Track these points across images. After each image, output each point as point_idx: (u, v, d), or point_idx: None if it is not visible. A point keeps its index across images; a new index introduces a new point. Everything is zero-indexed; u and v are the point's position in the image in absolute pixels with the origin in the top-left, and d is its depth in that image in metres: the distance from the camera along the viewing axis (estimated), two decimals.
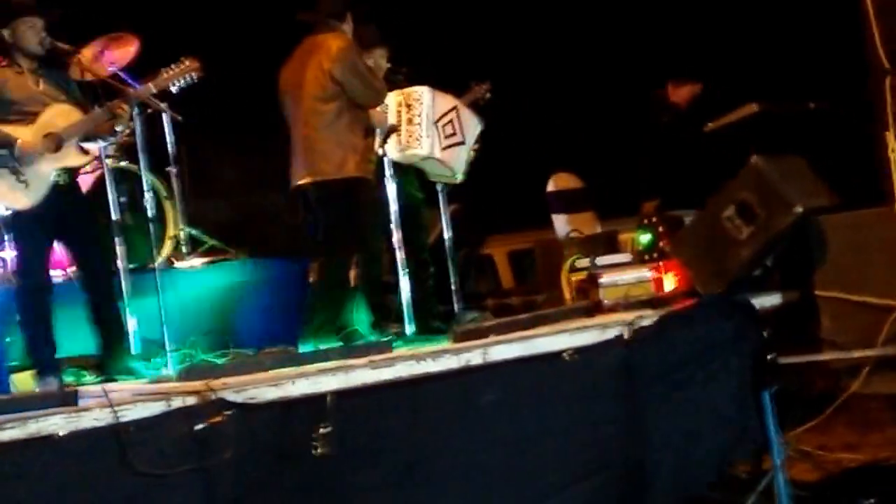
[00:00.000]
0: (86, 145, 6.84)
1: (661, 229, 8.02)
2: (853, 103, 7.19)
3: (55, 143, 6.59)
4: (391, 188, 7.54)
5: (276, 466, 5.46)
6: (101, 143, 7.19)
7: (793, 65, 9.76)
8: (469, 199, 9.33)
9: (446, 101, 7.88)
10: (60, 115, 6.69)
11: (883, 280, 6.45)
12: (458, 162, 7.96)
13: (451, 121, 7.85)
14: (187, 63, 6.90)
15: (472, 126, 8.01)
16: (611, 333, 6.41)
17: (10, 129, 6.57)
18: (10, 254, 7.42)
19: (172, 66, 6.92)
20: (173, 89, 6.96)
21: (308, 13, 7.54)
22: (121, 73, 7.98)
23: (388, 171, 7.55)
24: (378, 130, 7.63)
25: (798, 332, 6.88)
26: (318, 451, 5.41)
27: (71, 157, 6.71)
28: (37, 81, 6.76)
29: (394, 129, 7.61)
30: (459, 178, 8.05)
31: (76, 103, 6.79)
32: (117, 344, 6.79)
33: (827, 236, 6.76)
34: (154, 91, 7.00)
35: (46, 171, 6.61)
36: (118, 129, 6.99)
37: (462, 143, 7.94)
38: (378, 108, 7.55)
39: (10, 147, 6.52)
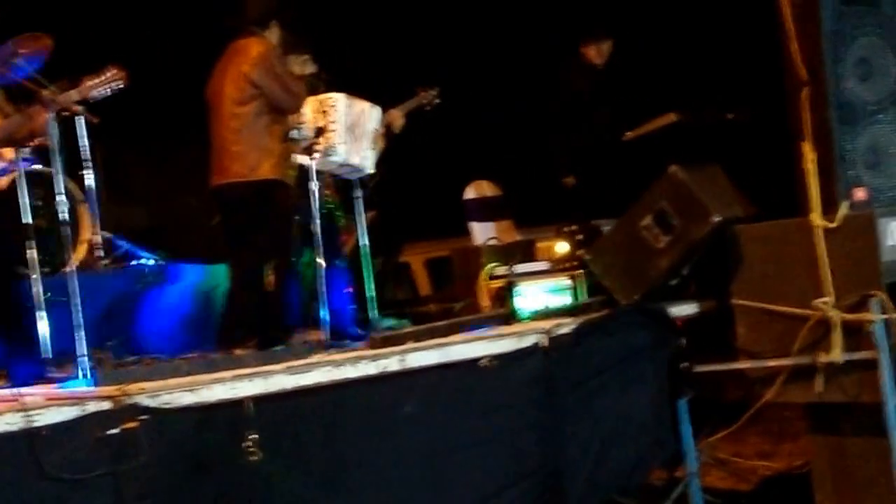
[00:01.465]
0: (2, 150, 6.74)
1: (578, 237, 8.05)
2: (771, 114, 7.25)
3: None
4: (315, 194, 7.48)
5: (191, 473, 5.41)
6: (18, 150, 7.07)
7: (711, 75, 9.83)
8: (386, 207, 9.32)
9: (358, 105, 7.88)
10: None
11: (798, 290, 6.51)
12: (369, 162, 7.97)
13: (360, 123, 7.86)
14: (112, 73, 6.80)
15: (375, 119, 8.02)
16: (528, 341, 6.43)
17: None
18: None
19: (97, 74, 6.81)
20: (96, 97, 6.86)
21: (232, 18, 7.51)
22: (35, 75, 7.85)
23: (312, 175, 7.50)
24: (297, 136, 7.60)
25: (714, 340, 6.95)
26: (251, 458, 5.37)
27: None
28: None
29: (320, 133, 7.58)
30: (369, 170, 8.04)
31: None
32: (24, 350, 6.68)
33: (743, 246, 6.82)
34: (76, 99, 6.88)
35: None
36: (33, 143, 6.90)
37: (369, 139, 7.95)
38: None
39: None
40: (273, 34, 7.50)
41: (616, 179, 8.82)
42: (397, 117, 8.46)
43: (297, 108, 7.43)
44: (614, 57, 9.13)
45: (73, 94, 6.83)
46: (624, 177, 8.48)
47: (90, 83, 6.79)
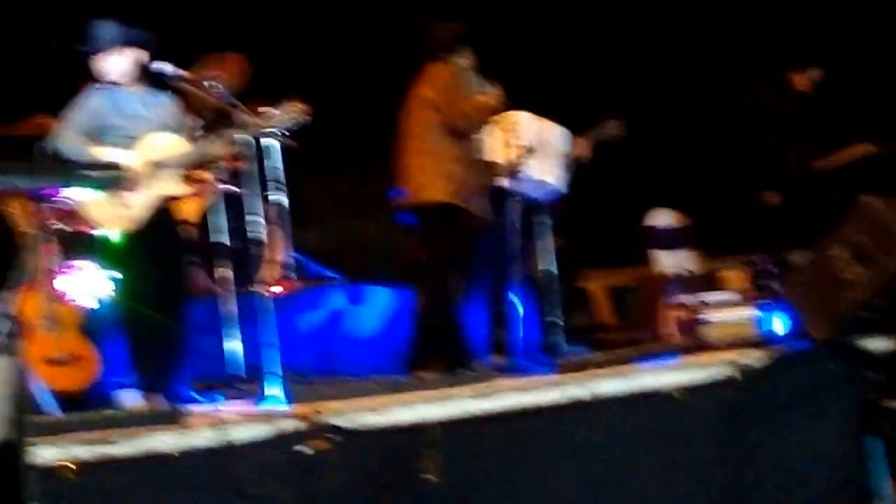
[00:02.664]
0: (191, 175, 6.84)
1: (767, 268, 7.91)
2: None
3: (157, 170, 6.62)
4: (510, 217, 7.49)
5: (378, 494, 5.45)
6: (207, 174, 7.20)
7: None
8: (568, 233, 9.27)
9: (539, 123, 7.87)
10: (165, 142, 6.69)
11: None
12: (559, 179, 7.93)
13: (547, 141, 7.83)
14: (298, 107, 6.83)
15: (562, 139, 7.98)
16: (717, 373, 6.35)
17: (116, 153, 6.60)
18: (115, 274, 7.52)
19: (282, 107, 6.86)
20: (280, 130, 6.89)
21: (420, 46, 7.57)
22: (225, 96, 8.00)
23: (500, 200, 7.49)
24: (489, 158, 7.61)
25: None
26: (421, 482, 5.38)
27: (173, 186, 6.72)
28: (144, 106, 6.78)
29: (520, 157, 7.56)
30: (563, 190, 8.00)
31: (181, 129, 6.81)
32: (179, 369, 6.78)
33: None
34: (260, 128, 6.93)
35: (146, 197, 6.63)
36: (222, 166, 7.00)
37: (559, 159, 7.91)
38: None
39: (114, 169, 6.55)
40: (464, 58, 7.53)
41: (806, 208, 8.65)
42: (583, 146, 8.39)
43: (471, 131, 7.41)
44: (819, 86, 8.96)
45: (260, 123, 6.87)
46: (814, 206, 8.31)
47: (277, 114, 6.80)
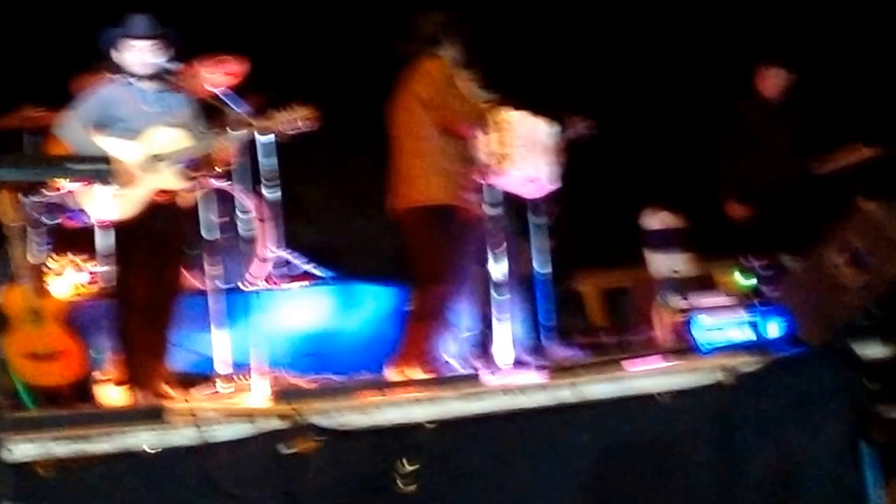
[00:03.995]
0: (189, 171, 6.82)
1: (763, 272, 7.83)
2: None
3: (156, 164, 6.58)
4: (495, 216, 7.41)
5: (361, 494, 5.42)
6: (205, 171, 7.16)
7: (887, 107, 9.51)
8: (561, 234, 9.21)
9: (532, 121, 7.80)
10: (167, 137, 6.69)
11: None
12: (550, 175, 7.87)
13: (538, 138, 7.77)
14: (304, 111, 6.77)
15: (552, 136, 7.92)
16: (708, 378, 6.28)
17: (117, 145, 6.57)
18: (104, 267, 7.47)
19: (288, 110, 6.80)
20: (285, 134, 6.84)
21: (406, 42, 7.49)
22: (225, 97, 7.95)
23: (491, 198, 7.42)
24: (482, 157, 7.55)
25: None
26: (405, 484, 5.33)
27: (170, 181, 6.69)
28: (148, 100, 6.76)
29: (499, 155, 7.50)
30: (554, 186, 7.95)
31: (185, 126, 6.77)
32: (161, 366, 6.73)
33: None
34: (264, 130, 6.89)
35: (143, 191, 6.60)
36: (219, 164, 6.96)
37: (549, 155, 7.86)
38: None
39: (109, 162, 6.49)
40: (449, 51, 7.45)
41: (801, 213, 8.62)
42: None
43: (458, 128, 7.32)
44: (800, 90, 8.91)
45: (263, 125, 6.83)
46: (810, 211, 8.26)
47: (281, 120, 6.75)
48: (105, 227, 6.74)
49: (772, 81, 9.08)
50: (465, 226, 7.37)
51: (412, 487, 5.39)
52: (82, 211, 7.13)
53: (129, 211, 6.58)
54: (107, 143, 6.57)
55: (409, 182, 7.28)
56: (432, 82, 7.24)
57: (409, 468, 5.40)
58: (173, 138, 6.70)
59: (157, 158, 6.60)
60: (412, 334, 7.22)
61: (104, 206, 6.62)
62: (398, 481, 5.39)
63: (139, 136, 6.64)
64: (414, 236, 7.34)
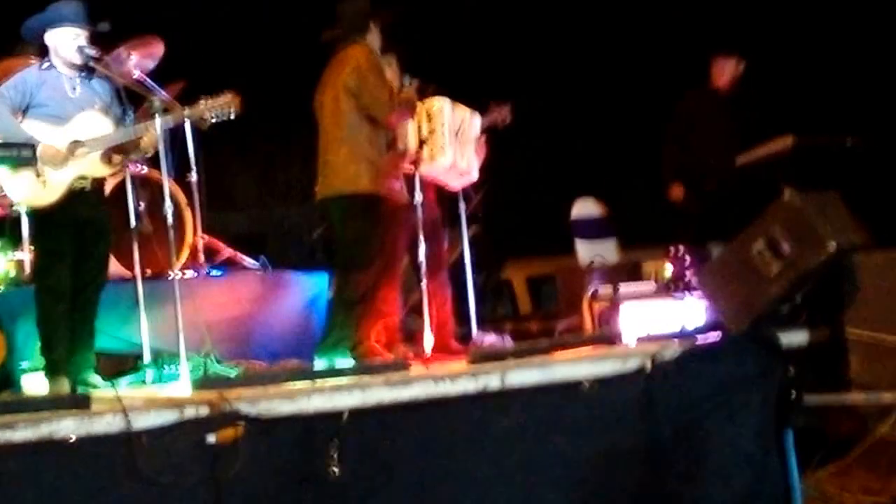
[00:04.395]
0: (112, 157, 6.76)
1: (687, 261, 7.89)
2: (892, 140, 7.05)
3: (78, 150, 6.53)
4: (419, 204, 7.40)
5: (288, 482, 5.40)
6: (128, 158, 7.11)
7: (831, 99, 9.61)
8: (489, 222, 9.23)
9: (460, 111, 7.82)
10: (91, 123, 6.63)
11: None
12: (473, 164, 7.91)
13: (464, 129, 7.79)
14: (228, 98, 6.74)
15: (476, 125, 7.96)
16: (632, 365, 6.31)
17: (40, 130, 6.51)
18: (27, 254, 7.39)
19: (212, 97, 6.77)
20: (209, 121, 6.81)
21: (330, 31, 7.46)
22: (146, 79, 7.88)
23: (418, 186, 7.41)
24: (406, 145, 7.55)
25: (826, 371, 6.74)
26: (333, 472, 5.31)
27: (93, 167, 6.63)
28: (73, 87, 6.69)
29: (426, 143, 7.50)
30: (475, 177, 7.99)
31: (109, 112, 6.71)
32: (84, 354, 6.68)
33: (860, 275, 6.63)
34: (189, 117, 6.85)
35: (66, 176, 6.54)
36: (144, 150, 6.90)
37: (473, 146, 7.89)
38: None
39: (33, 148, 6.45)
40: (374, 38, 7.44)
41: (728, 203, 8.68)
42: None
43: (384, 117, 7.30)
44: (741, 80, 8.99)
45: (186, 112, 6.79)
46: (736, 200, 8.32)
47: (204, 105, 6.72)
48: (29, 213, 6.66)
49: (725, 71, 9.11)
50: (390, 214, 7.36)
51: (339, 475, 5.37)
52: (4, 196, 7.05)
53: (52, 197, 6.51)
54: (31, 128, 6.50)
55: (334, 170, 7.26)
56: (357, 70, 7.22)
57: (335, 456, 5.37)
58: (97, 124, 6.63)
59: (80, 144, 6.54)
60: (337, 321, 7.22)
61: (27, 191, 6.54)
62: (325, 469, 5.37)
63: (63, 122, 6.58)
64: (339, 224, 7.33)
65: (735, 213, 8.22)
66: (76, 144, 6.54)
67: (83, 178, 6.58)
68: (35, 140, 6.47)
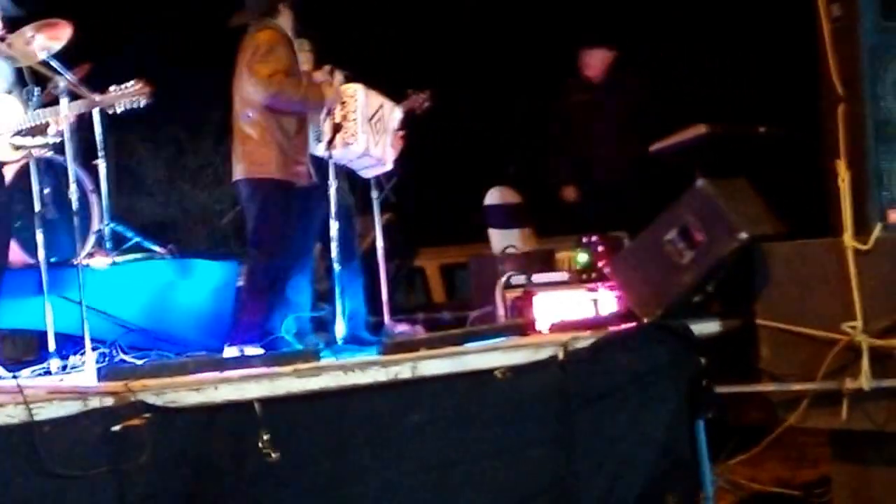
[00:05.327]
0: (18, 141, 6.63)
1: (600, 249, 7.87)
2: (805, 130, 7.08)
3: None
4: (332, 190, 7.32)
5: (196, 473, 5.30)
6: (34, 141, 6.97)
7: (743, 87, 9.68)
8: (402, 210, 9.19)
9: (376, 99, 7.75)
10: (1, 107, 6.52)
11: (826, 312, 6.32)
12: (388, 155, 7.85)
13: (381, 118, 7.73)
14: (139, 86, 6.68)
15: (395, 118, 7.91)
16: (545, 353, 6.28)
17: None
18: None
19: (123, 85, 6.70)
20: (119, 109, 6.75)
21: (238, 15, 7.35)
22: (52, 61, 7.73)
23: (331, 173, 7.34)
24: (317, 130, 7.47)
25: (736, 360, 6.77)
26: (266, 458, 5.23)
27: (2, 150, 6.53)
28: None
29: (339, 128, 7.42)
30: (389, 167, 7.94)
31: (13, 94, 6.58)
32: None
33: (770, 265, 6.64)
34: (99, 105, 6.79)
35: None
36: (50, 134, 6.77)
37: (389, 136, 7.83)
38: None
39: None
40: (284, 19, 7.31)
41: (640, 191, 8.71)
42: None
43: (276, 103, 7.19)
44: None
45: (96, 99, 6.74)
46: (649, 188, 8.34)
47: (116, 93, 6.66)
48: None
49: (592, 62, 9.22)
50: (298, 200, 7.27)
51: (250, 464, 5.29)
52: None
53: None
54: None
55: (243, 155, 7.18)
56: (264, 54, 7.10)
57: (242, 447, 5.30)
58: (5, 106, 6.50)
59: None
60: (244, 309, 7.13)
61: None
62: (233, 458, 5.29)
63: None
64: (247, 209, 7.25)
65: (636, 201, 8.29)
66: None
67: None
68: None
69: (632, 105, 9.14)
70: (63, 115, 6.54)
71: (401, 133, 8.05)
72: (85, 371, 6.27)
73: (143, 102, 6.69)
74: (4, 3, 6.66)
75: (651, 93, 9.23)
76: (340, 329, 7.25)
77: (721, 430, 6.83)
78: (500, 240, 9.55)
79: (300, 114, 7.27)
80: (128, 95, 6.68)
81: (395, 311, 8.28)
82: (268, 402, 5.41)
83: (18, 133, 6.54)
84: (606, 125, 9.13)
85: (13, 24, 6.93)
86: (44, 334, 6.74)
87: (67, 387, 5.83)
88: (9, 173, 6.80)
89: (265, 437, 5.29)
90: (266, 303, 7.13)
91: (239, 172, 7.20)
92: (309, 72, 7.71)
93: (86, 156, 8.18)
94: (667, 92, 9.23)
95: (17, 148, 6.60)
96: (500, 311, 8.00)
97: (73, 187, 6.64)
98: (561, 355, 6.29)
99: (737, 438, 6.90)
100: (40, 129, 6.69)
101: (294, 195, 7.22)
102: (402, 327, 8.00)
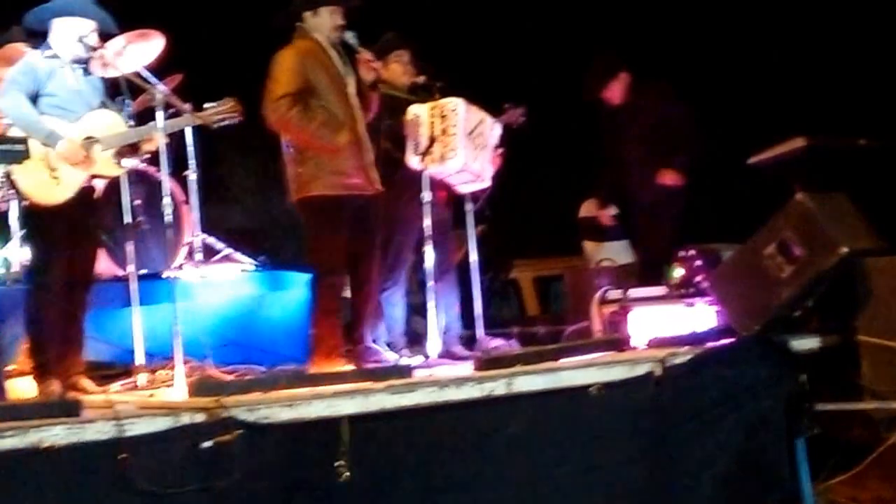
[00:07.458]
0: (126, 162, 6.72)
1: (697, 263, 7.75)
2: None
3: (93, 148, 6.48)
4: (426, 204, 7.24)
5: (286, 491, 5.26)
6: (137, 158, 7.05)
7: (844, 99, 9.49)
8: (496, 222, 9.11)
9: (477, 114, 7.64)
10: (105, 121, 6.60)
11: None
12: (487, 171, 7.75)
13: (481, 133, 7.63)
14: (232, 104, 6.74)
15: (495, 134, 7.82)
16: (641, 370, 6.19)
17: (54, 124, 6.43)
18: (17, 252, 7.26)
19: (219, 102, 6.76)
20: (214, 126, 6.78)
21: (280, 18, 7.18)
22: (144, 72, 7.77)
23: (425, 186, 7.26)
24: (415, 143, 7.37)
25: (837, 378, 6.62)
26: (341, 478, 5.19)
27: (105, 166, 6.58)
28: (76, 79, 6.64)
29: (434, 141, 7.32)
30: (488, 183, 7.85)
31: (109, 108, 6.65)
32: (74, 357, 6.57)
33: (872, 280, 6.51)
34: (197, 122, 6.82)
35: (81, 175, 6.48)
36: (148, 148, 6.83)
37: (488, 152, 7.74)
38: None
39: (55, 143, 6.38)
40: (322, 21, 7.01)
41: (739, 203, 8.57)
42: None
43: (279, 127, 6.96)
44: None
45: (193, 118, 6.84)
46: (748, 201, 8.20)
47: (210, 112, 6.73)
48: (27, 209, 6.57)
49: (614, 88, 9.10)
50: (361, 210, 7.00)
51: (338, 482, 5.24)
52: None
53: (64, 195, 6.44)
54: (47, 121, 6.43)
55: (289, 176, 6.99)
56: (275, 76, 6.85)
57: (335, 463, 5.25)
58: (108, 121, 6.60)
59: (95, 141, 6.49)
60: (317, 328, 6.91)
61: (36, 187, 6.43)
62: (326, 476, 5.24)
63: (72, 116, 6.52)
64: (304, 229, 7.09)
65: (744, 215, 8.13)
66: (91, 141, 6.49)
67: (98, 178, 6.57)
68: (57, 135, 6.40)
69: (658, 122, 8.96)
70: (162, 130, 6.57)
71: (500, 150, 7.93)
72: (175, 385, 6.25)
73: (237, 119, 6.76)
74: (104, 18, 6.68)
75: (675, 103, 9.02)
76: (435, 343, 7.16)
77: (822, 449, 6.68)
78: (595, 253, 9.45)
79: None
80: (223, 114, 6.73)
81: (488, 325, 8.18)
82: (357, 419, 5.37)
83: (123, 149, 6.60)
84: (636, 147, 8.97)
85: (107, 38, 6.97)
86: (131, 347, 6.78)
87: (158, 402, 5.82)
88: (100, 184, 6.81)
89: (345, 456, 5.25)
90: (334, 322, 6.93)
91: (291, 192, 7.00)
92: (404, 82, 7.65)
93: (176, 166, 8.21)
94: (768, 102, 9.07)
95: (120, 164, 6.67)
96: (596, 326, 7.89)
97: (166, 200, 6.66)
98: (658, 371, 6.19)
99: (838, 457, 6.73)
100: (137, 146, 6.74)
101: (354, 206, 6.94)
102: (497, 342, 7.89)
